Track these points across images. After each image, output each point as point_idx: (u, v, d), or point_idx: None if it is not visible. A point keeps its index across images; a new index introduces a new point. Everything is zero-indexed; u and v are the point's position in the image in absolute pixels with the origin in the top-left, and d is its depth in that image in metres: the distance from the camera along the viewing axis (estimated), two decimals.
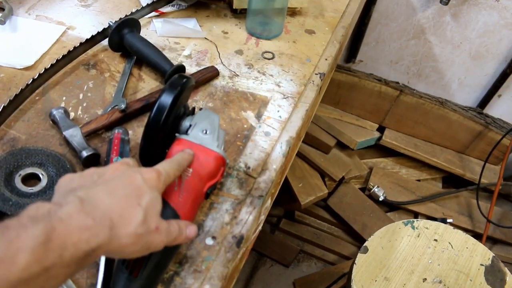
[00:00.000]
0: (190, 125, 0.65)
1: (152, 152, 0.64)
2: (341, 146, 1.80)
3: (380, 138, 1.79)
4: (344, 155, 1.80)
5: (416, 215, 1.68)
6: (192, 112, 0.70)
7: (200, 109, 0.68)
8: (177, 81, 0.63)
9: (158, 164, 0.54)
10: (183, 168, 0.57)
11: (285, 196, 1.71)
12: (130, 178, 0.48)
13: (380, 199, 1.67)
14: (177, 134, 0.64)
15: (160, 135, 0.62)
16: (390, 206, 1.73)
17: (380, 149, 1.85)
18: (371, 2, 1.59)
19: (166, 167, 0.53)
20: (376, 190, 1.68)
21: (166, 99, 0.61)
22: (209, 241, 0.62)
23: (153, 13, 1.02)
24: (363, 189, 1.76)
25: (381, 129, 1.83)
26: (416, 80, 1.77)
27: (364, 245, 1.08)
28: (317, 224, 1.81)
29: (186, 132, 0.64)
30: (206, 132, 0.64)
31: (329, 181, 1.75)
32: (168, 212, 0.55)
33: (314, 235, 1.81)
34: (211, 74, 0.86)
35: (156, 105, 0.61)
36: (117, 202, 0.45)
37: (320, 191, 1.68)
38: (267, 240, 1.83)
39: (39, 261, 0.37)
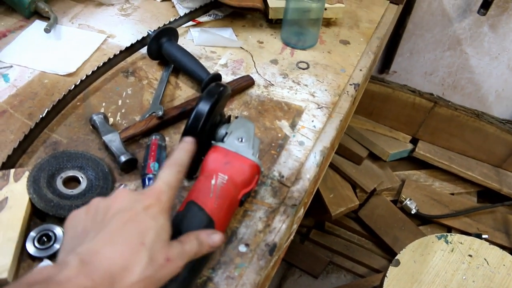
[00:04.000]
0: (226, 133, 0.66)
1: None
2: (374, 157, 1.78)
3: (413, 150, 1.77)
4: (376, 167, 1.78)
5: (449, 229, 1.64)
6: (228, 120, 0.71)
7: (236, 117, 0.69)
8: (214, 89, 0.64)
9: (159, 173, 0.52)
10: (185, 166, 0.54)
11: (316, 207, 1.70)
12: (130, 213, 0.47)
13: (412, 212, 1.64)
14: (213, 142, 0.65)
15: (197, 142, 0.63)
16: (422, 220, 1.69)
17: (413, 161, 1.82)
18: (406, 13, 1.57)
19: (166, 178, 0.52)
20: (408, 202, 1.65)
21: (204, 106, 0.62)
22: (242, 248, 0.63)
23: (190, 23, 1.04)
24: (395, 202, 1.74)
25: (414, 141, 1.81)
26: (451, 91, 1.73)
27: (396, 258, 1.07)
28: (347, 235, 1.80)
29: (222, 140, 0.65)
30: (241, 140, 0.65)
31: (361, 193, 1.73)
32: (203, 218, 0.56)
33: (344, 246, 1.79)
34: (246, 83, 0.87)
35: (194, 112, 0.62)
36: (118, 252, 0.44)
37: (351, 203, 1.66)
38: (297, 250, 1.82)
39: None
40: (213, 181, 0.60)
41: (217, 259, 0.61)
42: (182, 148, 0.56)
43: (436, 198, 1.69)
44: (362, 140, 1.79)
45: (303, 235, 1.87)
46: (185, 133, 0.62)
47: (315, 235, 1.82)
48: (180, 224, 0.56)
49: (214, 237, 0.53)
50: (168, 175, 0.52)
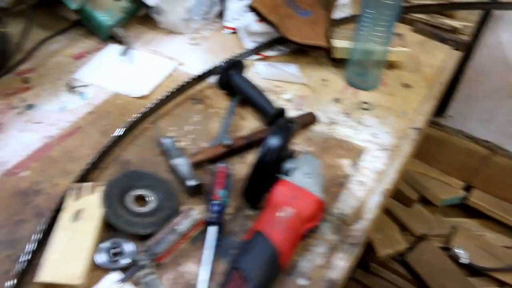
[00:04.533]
0: (292, 168, 0.67)
1: (256, 189, 0.67)
2: (425, 201, 1.75)
3: (466, 197, 1.72)
4: (426, 211, 1.74)
5: (502, 284, 1.58)
6: (291, 155, 0.72)
7: (303, 153, 0.71)
8: (285, 125, 0.67)
9: None
10: None
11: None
12: None
13: (462, 262, 1.59)
14: (279, 175, 0.67)
15: (266, 174, 0.65)
16: (472, 271, 1.63)
17: (465, 209, 1.77)
18: (466, 58, 1.57)
19: None
20: (458, 251, 1.61)
21: (274, 141, 0.65)
22: (302, 282, 0.63)
23: (256, 56, 1.08)
24: (444, 249, 1.69)
25: (467, 188, 1.76)
26: (509, 140, 1.69)
27: None
28: (391, 278, 1.75)
29: (287, 174, 0.67)
30: (308, 176, 0.66)
31: (409, 236, 1.70)
32: (269, 249, 0.58)
33: None
34: (310, 120, 0.89)
35: (265, 146, 0.64)
36: None
37: (398, 245, 1.63)
38: None
39: None
40: (280, 214, 0.61)
41: None
42: None
43: (489, 250, 1.63)
44: (414, 183, 1.76)
45: None
46: (256, 166, 0.65)
47: (358, 275, 1.78)
48: (246, 252, 0.58)
49: None
50: None
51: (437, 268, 1.63)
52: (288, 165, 0.68)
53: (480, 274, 1.62)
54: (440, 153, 1.75)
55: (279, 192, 0.64)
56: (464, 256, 1.59)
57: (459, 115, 1.74)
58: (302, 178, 0.66)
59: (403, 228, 1.71)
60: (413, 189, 1.76)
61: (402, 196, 1.73)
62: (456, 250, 1.61)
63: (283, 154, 0.68)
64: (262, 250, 0.58)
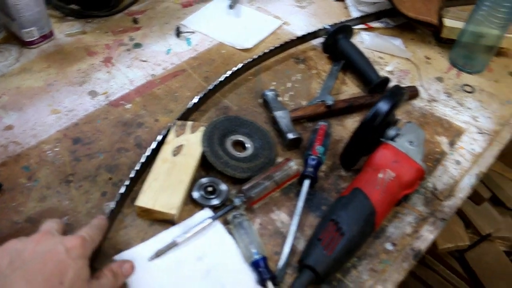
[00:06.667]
0: (397, 134, 0.68)
1: (355, 151, 0.69)
2: (496, 201, 1.69)
3: None
4: (496, 212, 1.68)
5: None
6: (396, 122, 0.73)
7: (408, 122, 0.71)
8: (397, 91, 0.67)
9: (81, 230, 0.54)
10: (103, 233, 0.57)
11: None
12: (51, 253, 0.47)
13: None
14: (382, 139, 0.68)
15: (369, 136, 0.66)
16: None
17: None
18: None
19: (90, 233, 0.53)
20: None
21: (384, 105, 0.65)
22: (388, 246, 0.65)
23: (361, 26, 1.07)
24: (507, 253, 1.64)
25: None
26: None
27: None
28: (446, 274, 1.72)
29: (390, 139, 0.68)
30: (411, 144, 0.66)
31: (472, 234, 1.66)
32: (367, 207, 0.59)
33: (440, 285, 1.72)
34: (412, 94, 0.88)
35: (375, 108, 0.65)
36: None
37: (461, 241, 1.59)
38: None
39: None
40: (380, 175, 0.62)
41: (363, 250, 0.63)
42: (99, 219, 0.58)
43: None
44: (487, 181, 1.70)
45: None
46: (362, 127, 0.66)
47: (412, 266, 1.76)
48: (344, 207, 0.60)
49: (126, 267, 0.55)
50: (92, 232, 0.54)
51: (496, 270, 1.59)
52: (391, 131, 0.68)
53: None
54: None
55: (382, 154, 0.65)
56: None
57: None
58: (405, 144, 0.66)
59: (468, 225, 1.66)
60: (486, 187, 1.71)
61: (473, 193, 1.68)
62: None
63: (389, 120, 0.69)
64: (360, 207, 0.59)
